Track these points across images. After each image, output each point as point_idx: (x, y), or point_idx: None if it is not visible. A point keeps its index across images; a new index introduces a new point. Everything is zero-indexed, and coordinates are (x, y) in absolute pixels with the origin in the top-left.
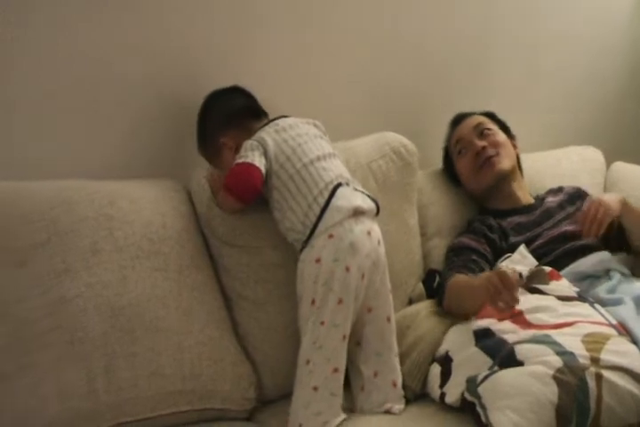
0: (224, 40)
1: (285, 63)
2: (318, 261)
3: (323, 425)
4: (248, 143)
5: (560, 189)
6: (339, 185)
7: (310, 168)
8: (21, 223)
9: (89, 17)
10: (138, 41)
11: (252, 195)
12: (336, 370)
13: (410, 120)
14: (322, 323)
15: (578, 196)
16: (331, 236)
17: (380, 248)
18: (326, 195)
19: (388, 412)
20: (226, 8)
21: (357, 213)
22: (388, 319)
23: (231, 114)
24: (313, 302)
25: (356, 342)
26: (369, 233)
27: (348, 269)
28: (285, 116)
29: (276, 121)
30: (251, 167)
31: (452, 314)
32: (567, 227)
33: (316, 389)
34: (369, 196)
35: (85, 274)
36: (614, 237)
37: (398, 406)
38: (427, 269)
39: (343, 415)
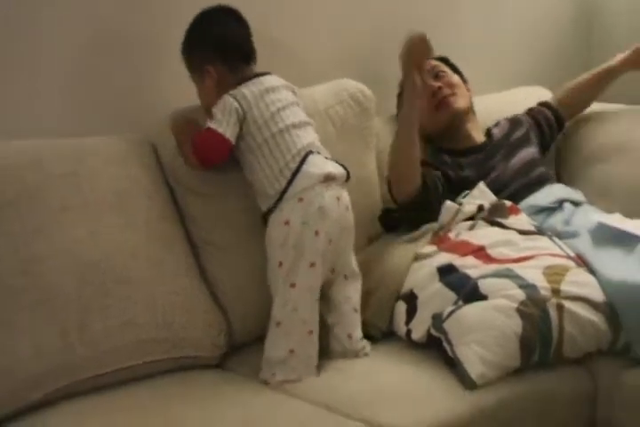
0: None
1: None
2: (287, 223)
3: (297, 378)
4: (229, 102)
5: (497, 124)
6: (310, 152)
7: (285, 134)
8: None
9: None
10: None
11: (214, 164)
12: (311, 332)
13: (367, 68)
14: (292, 285)
15: (516, 123)
16: (300, 199)
17: (349, 214)
18: (298, 160)
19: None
20: None
21: (328, 179)
22: (346, 277)
23: (222, 48)
24: (280, 264)
25: (321, 297)
26: (338, 199)
27: (317, 233)
28: (269, 74)
29: (261, 79)
30: (222, 141)
31: (400, 191)
32: (519, 157)
33: (292, 351)
34: (340, 164)
35: (56, 231)
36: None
37: (365, 351)
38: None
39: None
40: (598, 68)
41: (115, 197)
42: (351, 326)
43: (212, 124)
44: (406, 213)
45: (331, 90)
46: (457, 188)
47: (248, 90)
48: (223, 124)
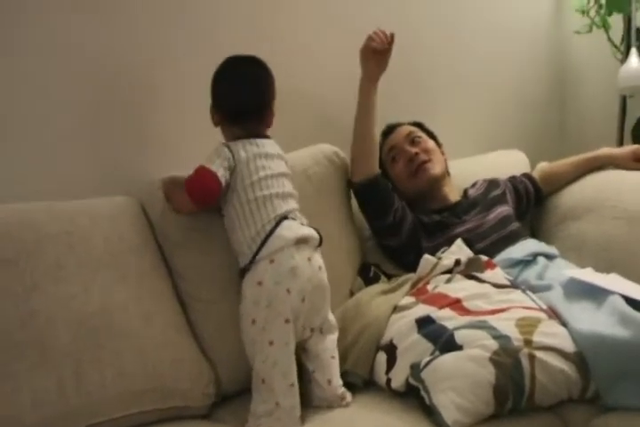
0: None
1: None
2: (260, 283)
3: None
4: (224, 151)
5: (474, 184)
6: (285, 218)
7: (267, 201)
8: None
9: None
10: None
11: (207, 199)
12: (292, 384)
13: (343, 132)
14: (270, 343)
15: (493, 183)
16: (272, 261)
17: (321, 274)
18: (273, 224)
19: (339, 405)
20: None
21: (300, 242)
22: (322, 331)
23: (232, 113)
24: (253, 321)
25: (301, 348)
26: (309, 259)
27: (289, 291)
28: (269, 138)
29: (258, 141)
30: (215, 176)
31: (357, 170)
32: (495, 212)
33: (277, 404)
34: (314, 228)
35: (52, 288)
36: (526, 203)
37: (347, 400)
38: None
39: None
40: (585, 155)
41: (107, 254)
42: (330, 372)
43: (206, 164)
44: (358, 195)
45: (308, 153)
46: (430, 229)
47: (243, 149)
48: (216, 164)
